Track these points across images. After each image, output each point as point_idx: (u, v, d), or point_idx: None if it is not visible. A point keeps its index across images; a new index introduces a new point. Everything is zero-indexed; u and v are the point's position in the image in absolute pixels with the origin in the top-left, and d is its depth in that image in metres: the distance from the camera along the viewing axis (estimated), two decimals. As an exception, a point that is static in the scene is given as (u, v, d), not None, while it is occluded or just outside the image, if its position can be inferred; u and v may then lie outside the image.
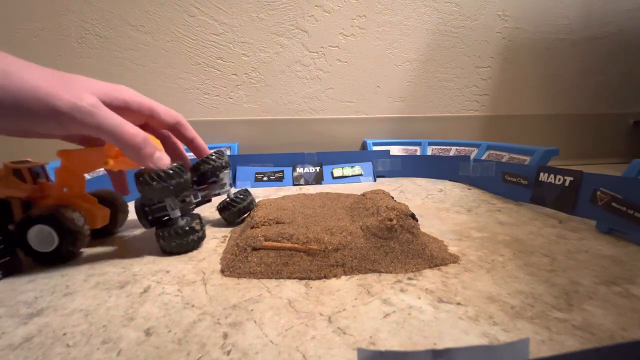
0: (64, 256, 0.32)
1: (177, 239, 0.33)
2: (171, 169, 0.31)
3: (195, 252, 0.35)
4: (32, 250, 0.32)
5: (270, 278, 0.29)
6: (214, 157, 0.40)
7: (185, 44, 0.69)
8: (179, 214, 0.34)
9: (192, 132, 0.34)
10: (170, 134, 0.35)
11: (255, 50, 0.72)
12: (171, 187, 0.31)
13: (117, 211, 0.39)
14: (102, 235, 0.40)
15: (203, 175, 0.40)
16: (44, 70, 0.25)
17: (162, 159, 0.28)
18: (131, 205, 0.42)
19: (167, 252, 0.34)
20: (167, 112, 0.32)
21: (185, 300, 0.26)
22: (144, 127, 0.32)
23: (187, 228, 0.34)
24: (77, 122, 0.24)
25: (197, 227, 0.35)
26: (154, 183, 0.30)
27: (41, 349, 0.21)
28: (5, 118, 0.24)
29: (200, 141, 0.36)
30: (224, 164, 0.40)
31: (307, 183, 0.65)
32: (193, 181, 0.40)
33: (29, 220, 0.31)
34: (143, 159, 0.28)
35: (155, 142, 0.32)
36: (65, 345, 0.21)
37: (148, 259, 0.34)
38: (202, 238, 0.36)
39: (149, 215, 0.35)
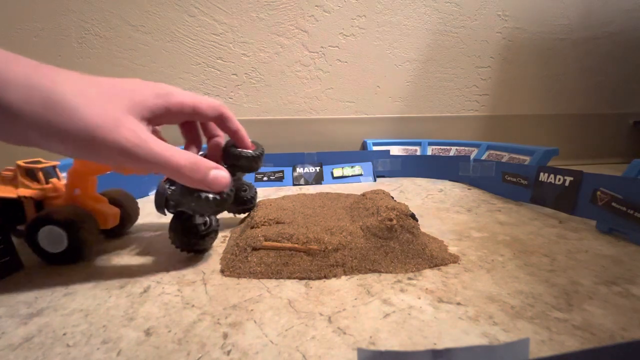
0: (73, 257, 0.32)
1: (197, 239, 0.33)
2: (227, 194, 0.28)
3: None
4: (43, 251, 0.32)
5: (270, 278, 0.29)
6: (255, 155, 0.38)
7: (185, 44, 0.69)
8: (203, 220, 0.34)
9: (235, 123, 0.32)
10: (224, 119, 0.32)
11: (255, 50, 0.72)
12: (218, 209, 0.29)
13: (128, 211, 0.39)
14: (113, 235, 0.39)
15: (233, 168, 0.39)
16: (84, 89, 0.22)
17: (218, 179, 0.26)
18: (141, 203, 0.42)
19: (177, 247, 0.33)
20: (209, 106, 0.29)
21: (185, 300, 0.26)
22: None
23: (210, 231, 0.33)
24: (120, 161, 0.23)
25: (216, 229, 0.35)
26: (206, 206, 0.28)
27: (41, 349, 0.21)
28: (54, 148, 0.23)
29: (243, 132, 0.33)
30: (259, 164, 0.39)
31: (307, 183, 0.65)
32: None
33: (39, 220, 0.31)
34: (197, 185, 0.26)
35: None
36: (65, 345, 0.21)
37: (148, 259, 0.34)
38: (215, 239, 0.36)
39: (170, 208, 0.34)
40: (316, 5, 0.72)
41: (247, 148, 0.35)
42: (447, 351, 0.13)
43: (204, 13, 0.68)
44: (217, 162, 0.29)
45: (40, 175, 0.35)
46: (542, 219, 0.44)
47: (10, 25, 0.63)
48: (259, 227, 0.33)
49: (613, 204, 0.37)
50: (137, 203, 0.42)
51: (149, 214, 0.48)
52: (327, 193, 0.50)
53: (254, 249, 0.31)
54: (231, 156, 0.35)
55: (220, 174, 0.26)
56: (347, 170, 0.67)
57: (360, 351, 0.13)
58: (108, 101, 0.23)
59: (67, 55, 0.65)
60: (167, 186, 0.33)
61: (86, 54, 0.66)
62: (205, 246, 0.34)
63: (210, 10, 0.69)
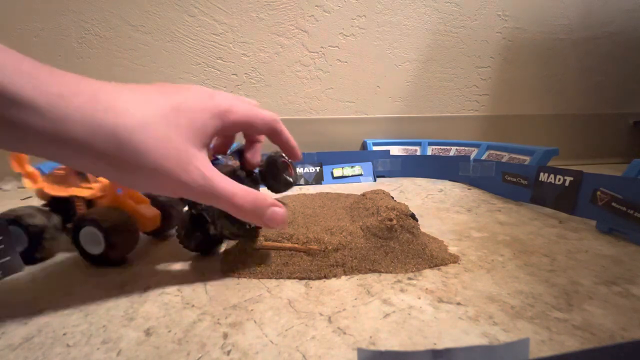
0: (110, 260, 0.32)
1: (206, 245, 0.33)
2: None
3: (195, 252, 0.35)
4: (85, 251, 0.32)
5: (270, 278, 0.29)
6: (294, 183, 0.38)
7: (185, 44, 0.69)
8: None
9: (286, 136, 0.31)
10: (275, 132, 0.31)
11: (255, 50, 0.72)
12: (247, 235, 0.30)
13: (171, 212, 0.38)
14: (156, 236, 0.39)
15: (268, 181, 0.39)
16: (151, 122, 0.21)
17: (275, 217, 0.26)
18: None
19: (186, 246, 0.33)
20: (264, 122, 0.28)
21: (185, 300, 0.26)
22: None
23: (218, 237, 0.33)
24: (184, 195, 0.24)
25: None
26: (239, 232, 0.29)
27: (41, 349, 0.21)
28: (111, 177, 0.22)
29: (293, 143, 0.32)
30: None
31: (307, 183, 0.65)
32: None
33: (80, 221, 0.31)
34: (254, 221, 0.26)
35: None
36: (65, 345, 0.21)
37: (148, 259, 0.34)
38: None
39: (196, 210, 0.33)
40: (316, 5, 0.72)
41: (297, 159, 0.35)
42: (447, 351, 0.13)
43: (204, 13, 0.68)
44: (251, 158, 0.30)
45: (90, 174, 0.35)
46: (542, 219, 0.44)
47: (10, 25, 0.63)
48: (259, 227, 0.33)
49: (613, 204, 0.37)
50: (182, 205, 0.40)
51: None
52: (327, 193, 0.50)
53: (254, 248, 0.31)
54: (279, 178, 0.36)
55: (277, 212, 0.26)
56: (347, 170, 0.67)
57: (360, 351, 0.13)
58: (172, 132, 0.22)
59: (67, 55, 0.65)
60: None
61: (86, 54, 0.66)
62: (214, 248, 0.34)
63: (210, 10, 0.69)
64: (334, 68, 0.76)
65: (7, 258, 0.31)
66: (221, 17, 0.69)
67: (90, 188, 0.34)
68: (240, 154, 0.39)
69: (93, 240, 0.31)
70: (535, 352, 0.20)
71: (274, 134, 0.31)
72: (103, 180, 0.35)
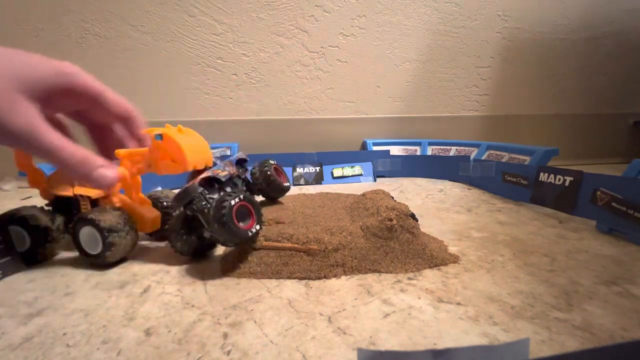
0: (106, 260, 0.31)
1: (198, 246, 0.33)
2: (255, 232, 0.30)
3: (195, 252, 0.35)
4: (84, 251, 0.32)
5: (270, 278, 0.29)
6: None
7: (185, 44, 0.69)
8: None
9: (141, 130, 0.31)
10: (129, 118, 0.31)
11: (255, 50, 0.72)
12: (240, 242, 0.30)
13: (171, 213, 0.37)
14: (159, 237, 0.38)
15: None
16: None
17: (103, 177, 0.25)
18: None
19: (178, 250, 0.33)
20: (117, 101, 0.28)
21: (185, 300, 0.26)
22: (84, 113, 0.28)
23: (211, 241, 0.33)
24: (14, 146, 0.23)
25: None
26: (233, 238, 0.29)
27: (41, 349, 0.21)
28: None
29: (143, 134, 0.31)
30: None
31: (307, 183, 0.65)
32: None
33: (79, 220, 0.31)
34: (83, 180, 0.25)
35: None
36: (65, 345, 0.21)
37: (148, 258, 0.34)
38: None
39: (189, 210, 0.33)
40: (316, 5, 0.72)
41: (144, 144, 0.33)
42: (447, 351, 0.13)
43: (204, 13, 0.68)
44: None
45: None
46: (542, 219, 0.44)
47: (10, 25, 0.63)
48: (256, 234, 0.33)
49: (613, 204, 0.37)
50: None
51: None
52: (327, 193, 0.50)
53: (254, 249, 0.31)
54: (266, 181, 0.36)
55: (106, 172, 0.25)
56: (347, 170, 0.67)
57: (360, 351, 0.13)
58: (3, 74, 0.21)
59: (67, 55, 0.65)
60: (200, 190, 0.32)
61: (86, 54, 0.66)
62: (208, 252, 0.34)
63: (210, 10, 0.69)
64: (334, 68, 0.76)
65: (7, 258, 0.31)
66: (221, 17, 0.69)
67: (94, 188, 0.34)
68: (239, 163, 0.39)
69: (92, 240, 0.31)
70: (535, 352, 0.20)
71: (129, 123, 0.30)
72: None
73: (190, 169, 0.31)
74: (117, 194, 0.35)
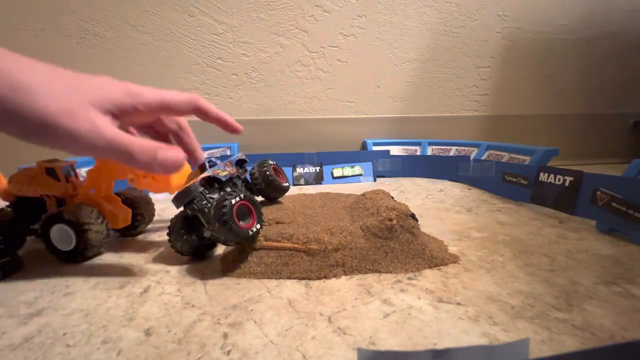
0: (80, 255, 0.33)
1: (199, 246, 0.33)
2: (255, 231, 0.30)
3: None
4: (54, 248, 0.33)
5: (270, 278, 0.29)
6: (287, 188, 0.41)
7: (185, 44, 0.69)
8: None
9: (214, 111, 0.32)
10: (181, 128, 0.33)
11: (255, 50, 0.72)
12: (240, 241, 0.30)
13: (141, 211, 0.39)
14: (127, 234, 0.40)
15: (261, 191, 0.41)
16: (51, 80, 0.23)
17: (168, 159, 0.26)
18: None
19: (178, 250, 0.33)
20: (182, 101, 0.30)
21: (185, 300, 0.26)
22: (155, 123, 0.31)
23: (211, 240, 0.33)
24: (74, 149, 0.24)
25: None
26: (232, 237, 0.29)
27: (41, 349, 0.21)
28: (10, 131, 0.24)
29: (226, 117, 0.33)
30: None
31: (307, 183, 0.65)
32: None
33: (51, 218, 0.32)
34: (148, 168, 0.26)
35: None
36: (65, 345, 0.21)
37: (148, 259, 0.34)
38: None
39: (189, 210, 0.33)
40: (316, 5, 0.72)
41: (237, 132, 0.33)
42: (447, 351, 0.13)
43: (204, 13, 0.68)
44: None
45: (61, 174, 0.35)
46: (542, 219, 0.44)
47: (10, 25, 0.62)
48: (256, 233, 0.33)
49: (613, 204, 0.37)
50: (152, 204, 0.42)
51: (149, 214, 0.48)
52: (327, 193, 0.50)
53: (254, 249, 0.31)
54: (265, 181, 0.36)
55: (169, 153, 0.26)
56: (347, 170, 0.67)
57: (360, 351, 0.13)
58: (72, 92, 0.24)
59: (67, 55, 0.65)
60: (200, 190, 0.32)
61: (86, 54, 0.66)
62: (208, 252, 0.34)
63: (210, 10, 0.68)
64: (334, 68, 0.76)
65: (7, 258, 0.31)
66: (221, 17, 0.69)
67: (62, 187, 0.35)
68: (238, 163, 0.39)
69: (64, 237, 0.32)
70: (535, 352, 0.20)
71: (201, 113, 0.31)
72: (75, 180, 0.36)
73: (174, 192, 0.33)
74: (87, 192, 0.35)
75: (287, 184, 0.43)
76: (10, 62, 0.22)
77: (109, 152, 0.24)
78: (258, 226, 0.31)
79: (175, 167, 0.26)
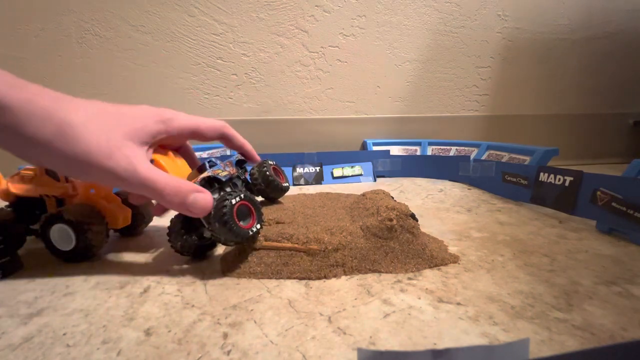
0: (81, 255, 0.33)
1: (200, 246, 0.33)
2: (256, 231, 0.30)
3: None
4: (54, 248, 0.33)
5: (270, 278, 0.29)
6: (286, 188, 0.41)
7: (185, 44, 0.69)
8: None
9: (239, 140, 0.35)
10: (186, 143, 0.35)
11: (255, 50, 0.72)
12: (240, 241, 0.30)
13: (141, 211, 0.40)
14: (127, 234, 0.40)
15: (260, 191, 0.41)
16: (91, 118, 0.25)
17: (197, 203, 0.27)
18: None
19: (178, 250, 0.33)
20: (210, 128, 0.32)
21: (185, 300, 0.26)
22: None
23: (211, 240, 0.34)
24: (114, 184, 0.27)
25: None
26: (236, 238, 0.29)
27: (41, 349, 0.21)
28: (56, 167, 0.27)
29: (249, 147, 0.36)
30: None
31: (307, 183, 0.65)
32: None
33: (51, 218, 0.32)
34: (178, 209, 0.28)
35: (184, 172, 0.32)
36: (65, 345, 0.21)
37: (148, 259, 0.34)
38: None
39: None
40: (316, 5, 0.72)
41: (255, 161, 0.38)
42: (447, 351, 0.13)
43: (204, 13, 0.68)
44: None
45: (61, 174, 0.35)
46: (542, 219, 0.44)
47: (10, 25, 0.62)
48: (257, 233, 0.33)
49: (613, 204, 0.37)
50: (152, 204, 0.41)
51: (149, 214, 0.48)
52: (327, 193, 0.50)
53: (254, 249, 0.31)
54: (265, 182, 0.37)
55: (199, 197, 0.27)
56: (347, 170, 0.67)
57: (360, 351, 0.13)
58: (110, 128, 0.25)
59: (67, 55, 0.65)
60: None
61: (86, 54, 0.66)
62: (208, 252, 0.34)
63: (210, 10, 0.69)
64: (334, 68, 0.76)
65: (7, 258, 0.31)
66: (221, 17, 0.69)
67: (62, 187, 0.35)
68: (238, 164, 0.39)
69: (64, 236, 0.32)
70: (535, 352, 0.20)
71: (226, 139, 0.34)
72: (74, 180, 0.36)
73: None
74: (87, 192, 0.35)
75: (287, 184, 0.43)
76: (54, 102, 0.24)
77: (142, 190, 0.26)
78: (258, 226, 0.31)
79: (203, 211, 0.28)
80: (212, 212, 0.28)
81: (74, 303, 0.26)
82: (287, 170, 0.66)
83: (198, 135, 0.32)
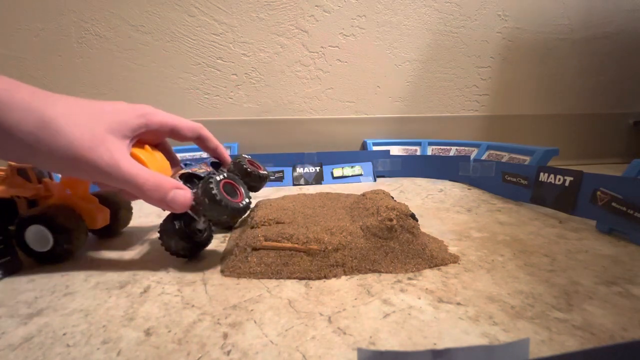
0: (59, 256, 0.32)
1: (194, 245, 0.33)
2: (245, 205, 0.31)
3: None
4: (30, 249, 0.32)
5: (270, 278, 0.29)
6: (264, 176, 0.41)
7: (185, 44, 0.69)
8: (204, 226, 0.33)
9: (214, 142, 0.36)
10: (165, 140, 0.35)
11: (255, 50, 0.72)
12: (232, 217, 0.30)
13: (119, 212, 0.39)
14: (107, 234, 0.40)
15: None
16: (72, 112, 0.25)
17: (177, 199, 0.28)
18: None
19: (170, 250, 0.33)
20: (188, 127, 0.33)
21: (185, 300, 0.26)
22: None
23: (207, 238, 0.34)
24: (97, 178, 0.26)
25: (211, 237, 0.35)
26: (224, 216, 0.29)
27: (41, 349, 0.21)
28: (41, 164, 0.26)
29: (222, 149, 0.37)
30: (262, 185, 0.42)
31: (307, 183, 0.65)
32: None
33: (26, 219, 0.31)
34: (158, 204, 0.28)
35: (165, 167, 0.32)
36: (65, 345, 0.21)
37: (148, 258, 0.34)
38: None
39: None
40: (316, 5, 0.72)
41: (227, 164, 0.38)
42: (447, 351, 0.13)
43: (204, 13, 0.68)
44: None
45: (33, 174, 0.35)
46: (542, 219, 0.44)
47: (10, 25, 0.63)
48: (259, 227, 0.33)
49: (613, 204, 0.37)
50: (129, 204, 0.42)
51: (149, 213, 0.48)
52: (327, 193, 0.50)
53: (254, 249, 0.31)
54: (243, 173, 0.37)
55: (178, 193, 0.28)
56: (347, 170, 0.67)
57: (360, 351, 0.13)
58: (92, 122, 0.25)
59: (67, 55, 0.65)
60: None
61: (86, 54, 0.66)
62: (198, 252, 0.34)
63: (210, 10, 0.69)
64: (334, 68, 0.76)
65: (7, 258, 0.31)
66: (221, 17, 0.69)
67: (34, 188, 0.35)
68: (213, 165, 0.40)
69: (40, 238, 0.32)
70: (535, 352, 0.20)
71: (202, 140, 0.35)
72: (48, 181, 0.36)
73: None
74: (63, 193, 0.35)
75: (265, 172, 0.43)
76: (32, 95, 0.24)
77: (124, 184, 0.26)
78: (247, 200, 0.31)
79: (182, 207, 0.28)
80: (200, 192, 0.29)
81: (74, 303, 0.26)
82: (287, 170, 0.66)
83: (176, 132, 0.32)
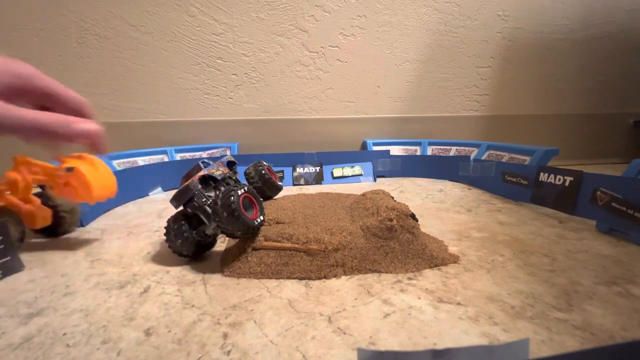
0: None
1: (197, 247, 0.33)
2: (261, 222, 0.31)
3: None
4: None
5: (270, 278, 0.29)
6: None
7: (185, 44, 0.69)
8: (213, 231, 0.33)
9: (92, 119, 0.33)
10: (55, 90, 0.32)
11: (255, 50, 0.72)
12: (248, 231, 0.31)
13: (63, 212, 0.39)
14: (51, 234, 0.40)
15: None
16: None
17: (85, 128, 0.27)
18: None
19: (176, 251, 0.33)
20: (73, 98, 0.30)
21: (185, 300, 0.26)
22: (48, 109, 0.31)
23: (212, 241, 0.34)
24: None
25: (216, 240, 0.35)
26: (239, 232, 0.30)
27: (41, 349, 0.21)
28: None
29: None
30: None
31: (307, 183, 0.65)
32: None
33: None
34: (67, 139, 0.27)
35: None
36: (65, 345, 0.21)
37: (148, 258, 0.34)
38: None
39: (189, 208, 0.33)
40: (316, 5, 0.72)
41: (102, 152, 0.33)
42: (447, 351, 0.13)
43: (204, 13, 0.68)
44: None
45: None
46: (542, 219, 0.44)
47: (10, 25, 0.62)
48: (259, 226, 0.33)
49: (613, 204, 0.37)
50: (77, 205, 0.42)
51: (149, 214, 0.48)
52: (327, 193, 0.50)
53: (254, 249, 0.31)
54: (261, 179, 0.37)
55: (84, 123, 0.27)
56: (347, 170, 0.67)
57: (360, 351, 0.13)
58: None
59: (67, 55, 0.65)
60: (199, 187, 0.33)
61: (86, 54, 0.66)
62: (201, 253, 0.34)
63: (210, 10, 0.68)
64: (334, 68, 0.76)
65: (7, 258, 0.31)
66: (221, 17, 0.69)
67: None
68: (229, 165, 0.40)
69: None
70: (535, 352, 0.20)
71: (81, 114, 0.31)
72: None
73: (94, 203, 0.34)
74: (3, 194, 0.36)
75: (280, 184, 0.44)
76: None
77: (24, 129, 0.25)
78: (261, 218, 0.32)
79: (89, 135, 0.27)
80: (220, 203, 0.29)
81: (74, 303, 0.26)
82: (287, 170, 0.66)
83: (56, 101, 0.29)
